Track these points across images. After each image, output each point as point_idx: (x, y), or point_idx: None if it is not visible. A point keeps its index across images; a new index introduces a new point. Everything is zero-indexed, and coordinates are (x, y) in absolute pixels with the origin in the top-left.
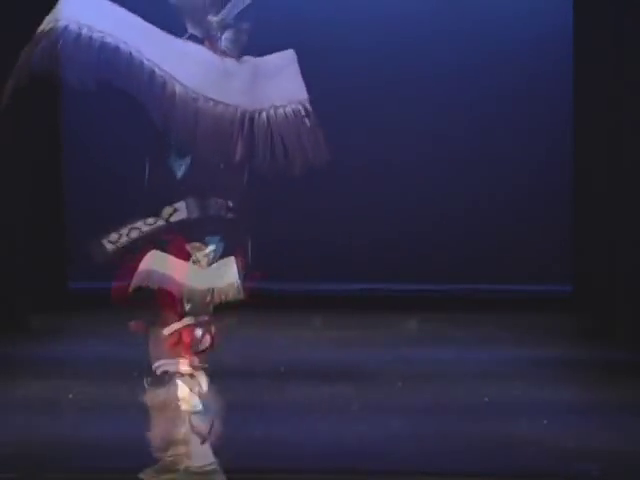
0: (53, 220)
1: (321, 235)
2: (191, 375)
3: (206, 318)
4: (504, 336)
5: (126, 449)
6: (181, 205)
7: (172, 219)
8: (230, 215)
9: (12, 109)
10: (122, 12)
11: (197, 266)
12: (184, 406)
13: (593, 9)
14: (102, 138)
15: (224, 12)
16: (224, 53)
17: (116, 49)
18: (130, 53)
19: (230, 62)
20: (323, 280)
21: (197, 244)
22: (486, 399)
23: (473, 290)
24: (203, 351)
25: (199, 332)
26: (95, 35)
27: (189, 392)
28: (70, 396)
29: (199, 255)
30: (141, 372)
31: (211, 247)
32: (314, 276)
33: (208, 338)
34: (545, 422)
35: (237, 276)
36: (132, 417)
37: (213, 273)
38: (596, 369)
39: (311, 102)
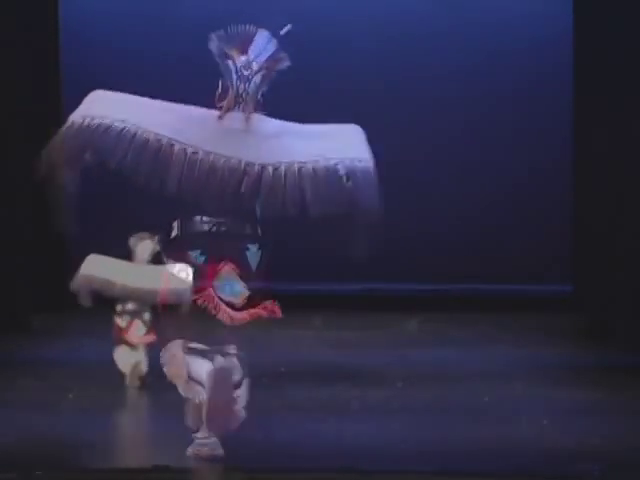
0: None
1: (321, 235)
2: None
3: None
4: (504, 336)
5: (126, 449)
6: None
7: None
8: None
9: (13, 110)
10: (135, 100)
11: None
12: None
13: (593, 10)
14: None
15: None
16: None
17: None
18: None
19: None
20: (323, 280)
21: (144, 234)
22: (486, 399)
23: (473, 290)
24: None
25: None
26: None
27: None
28: (70, 396)
29: (140, 246)
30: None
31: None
32: (314, 276)
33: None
34: (545, 422)
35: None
36: (132, 417)
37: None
38: (596, 369)
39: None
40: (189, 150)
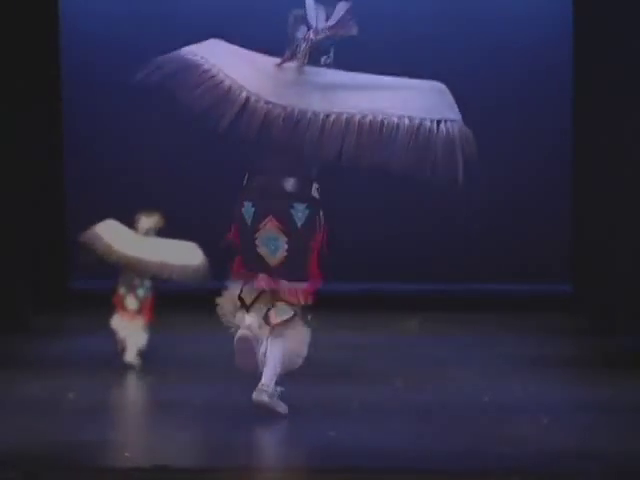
0: (53, 220)
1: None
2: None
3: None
4: (504, 336)
5: (126, 448)
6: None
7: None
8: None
9: (13, 110)
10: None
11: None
12: None
13: (593, 10)
14: (103, 138)
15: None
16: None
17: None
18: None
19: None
20: (323, 280)
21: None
22: (486, 399)
23: (473, 290)
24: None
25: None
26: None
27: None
28: (70, 395)
29: (144, 218)
30: (141, 371)
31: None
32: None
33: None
34: (545, 421)
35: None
36: (132, 416)
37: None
38: (596, 369)
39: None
40: (252, 98)
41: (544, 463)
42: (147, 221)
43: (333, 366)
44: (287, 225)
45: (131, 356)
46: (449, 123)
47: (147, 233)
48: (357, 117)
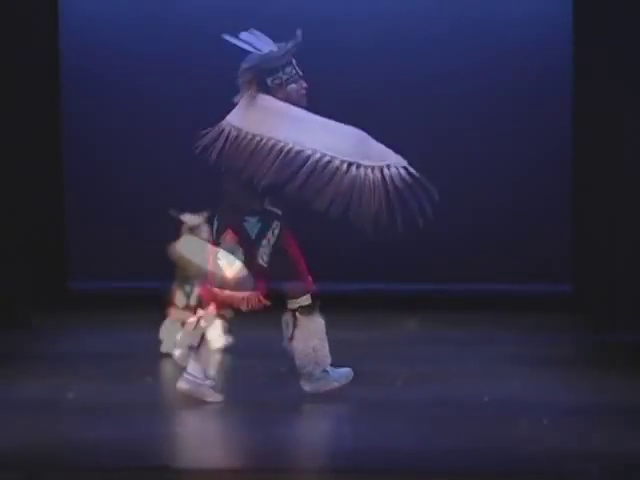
0: (53, 220)
1: (321, 235)
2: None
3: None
4: (504, 336)
5: (126, 448)
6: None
7: None
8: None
9: (13, 110)
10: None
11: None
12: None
13: (593, 9)
14: (103, 139)
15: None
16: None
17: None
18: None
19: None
20: (323, 280)
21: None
22: (486, 399)
23: (473, 290)
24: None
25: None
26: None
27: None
28: (70, 395)
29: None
30: (141, 370)
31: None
32: (314, 276)
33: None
34: (545, 422)
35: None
36: (132, 416)
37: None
38: (596, 369)
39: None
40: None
41: (544, 463)
42: (193, 219)
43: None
44: (242, 237)
45: (181, 356)
46: (362, 168)
47: (192, 231)
48: (280, 145)
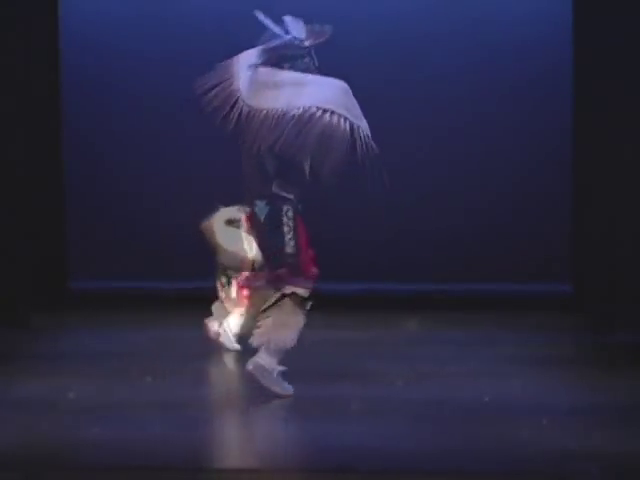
0: (53, 220)
1: (321, 235)
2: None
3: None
4: (504, 336)
5: (126, 448)
6: None
7: None
8: None
9: (13, 110)
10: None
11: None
12: None
13: (593, 10)
14: (103, 138)
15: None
16: None
17: None
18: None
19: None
20: (323, 280)
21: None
22: (486, 399)
23: (473, 290)
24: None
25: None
26: None
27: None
28: (70, 394)
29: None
30: (141, 370)
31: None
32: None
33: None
34: (544, 422)
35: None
36: (132, 415)
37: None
38: (595, 369)
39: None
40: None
41: (544, 463)
42: (229, 211)
43: (333, 366)
44: (254, 222)
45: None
46: (335, 115)
47: (231, 223)
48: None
